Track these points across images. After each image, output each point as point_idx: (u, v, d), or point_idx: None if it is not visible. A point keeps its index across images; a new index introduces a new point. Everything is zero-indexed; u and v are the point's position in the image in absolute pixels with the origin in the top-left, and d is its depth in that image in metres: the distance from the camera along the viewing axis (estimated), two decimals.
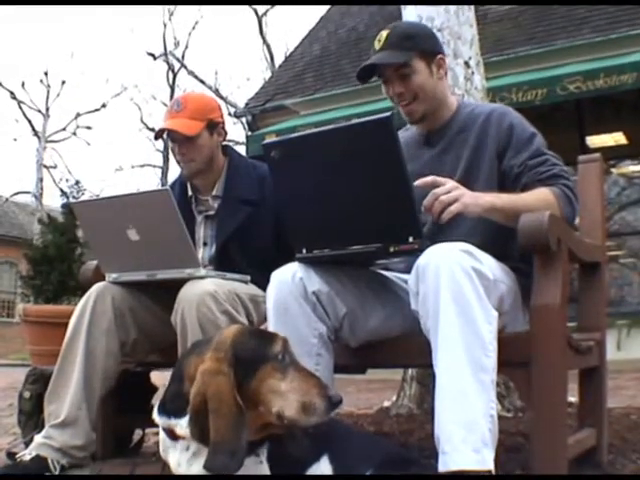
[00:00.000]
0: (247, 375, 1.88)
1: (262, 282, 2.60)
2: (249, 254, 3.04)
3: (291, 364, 1.94)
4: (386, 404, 4.77)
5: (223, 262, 3.10)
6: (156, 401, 2.06)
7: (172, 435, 1.96)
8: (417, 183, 2.29)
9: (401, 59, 2.64)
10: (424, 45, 2.70)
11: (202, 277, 2.75)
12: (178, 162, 3.17)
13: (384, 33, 2.72)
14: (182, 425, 1.90)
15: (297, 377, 1.91)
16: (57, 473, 2.75)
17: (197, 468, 1.89)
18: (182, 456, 1.94)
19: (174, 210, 2.72)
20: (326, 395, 1.89)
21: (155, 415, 2.00)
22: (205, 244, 3.21)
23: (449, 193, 2.27)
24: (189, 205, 3.25)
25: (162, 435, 2.00)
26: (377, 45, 2.70)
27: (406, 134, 2.88)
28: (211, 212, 3.22)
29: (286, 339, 1.98)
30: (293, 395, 1.87)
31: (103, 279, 3.03)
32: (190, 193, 3.26)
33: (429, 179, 2.32)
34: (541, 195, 2.46)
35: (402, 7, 4.78)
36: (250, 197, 3.12)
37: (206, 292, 2.67)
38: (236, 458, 1.80)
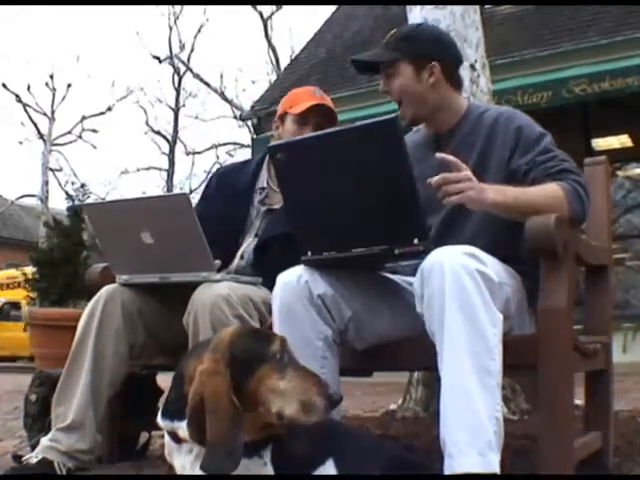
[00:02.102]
0: (245, 375, 1.88)
1: None
2: (291, 258, 3.01)
3: (290, 363, 1.94)
4: (392, 407, 4.77)
5: (262, 254, 3.10)
6: (161, 404, 2.06)
7: (176, 438, 1.96)
8: (435, 180, 2.30)
9: (384, 58, 2.69)
10: (416, 50, 2.69)
11: (217, 281, 2.75)
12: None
13: (391, 32, 2.75)
14: (184, 428, 1.90)
15: (296, 376, 1.91)
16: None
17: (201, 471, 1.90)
18: (186, 459, 1.94)
19: (192, 215, 2.72)
20: (326, 393, 1.89)
21: (159, 418, 2.00)
22: (256, 235, 3.19)
23: (457, 183, 2.28)
24: (252, 194, 3.26)
25: (167, 438, 2.01)
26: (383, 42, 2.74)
27: (416, 136, 2.88)
28: (276, 206, 3.20)
29: (284, 338, 1.99)
30: (292, 394, 1.87)
31: (109, 282, 3.02)
32: (264, 185, 3.26)
33: (450, 158, 2.32)
34: (548, 190, 2.43)
35: (408, 10, 4.78)
36: None
37: (220, 295, 2.66)
38: (232, 459, 1.80)
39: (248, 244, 3.18)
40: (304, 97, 3.21)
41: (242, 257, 3.15)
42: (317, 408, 1.87)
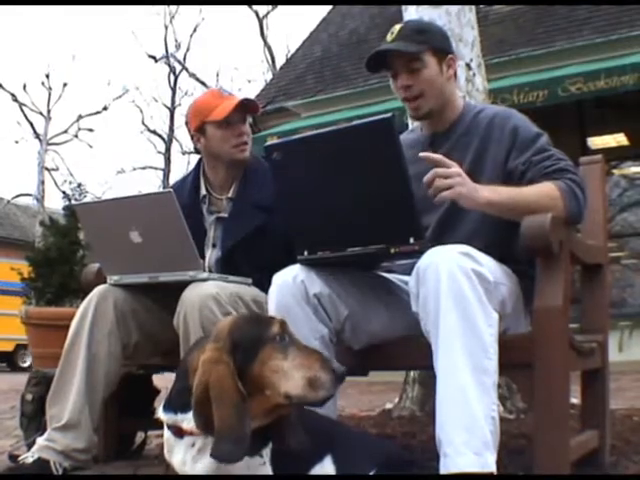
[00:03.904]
0: (248, 360, 1.89)
1: (268, 286, 2.59)
2: (256, 260, 3.01)
3: (291, 343, 1.95)
4: (388, 406, 4.77)
5: (228, 266, 3.09)
6: (158, 404, 2.06)
7: (178, 432, 1.96)
8: (426, 177, 2.30)
9: (413, 49, 2.61)
10: (436, 42, 2.67)
11: (204, 279, 2.75)
12: (238, 144, 3.16)
13: (397, 27, 2.69)
14: (189, 419, 1.91)
15: (299, 355, 1.92)
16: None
17: (202, 466, 1.91)
18: (187, 454, 1.95)
19: (177, 212, 2.72)
20: (330, 368, 1.90)
21: (160, 412, 2.01)
22: (214, 246, 3.19)
23: (447, 178, 2.28)
24: (199, 204, 3.24)
25: (167, 435, 2.01)
26: (389, 38, 2.67)
27: (411, 136, 2.87)
28: (223, 214, 3.20)
29: (284, 320, 2.00)
30: (297, 373, 1.89)
31: (105, 282, 3.02)
32: (204, 192, 3.25)
33: (436, 156, 2.32)
34: (544, 189, 2.43)
35: (403, 9, 4.78)
36: (264, 203, 3.06)
37: (208, 295, 2.66)
38: (241, 445, 1.81)
39: (209, 257, 3.18)
40: (216, 101, 3.16)
41: (211, 271, 3.12)
42: (324, 383, 1.88)
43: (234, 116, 3.10)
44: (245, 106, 3.15)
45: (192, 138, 3.25)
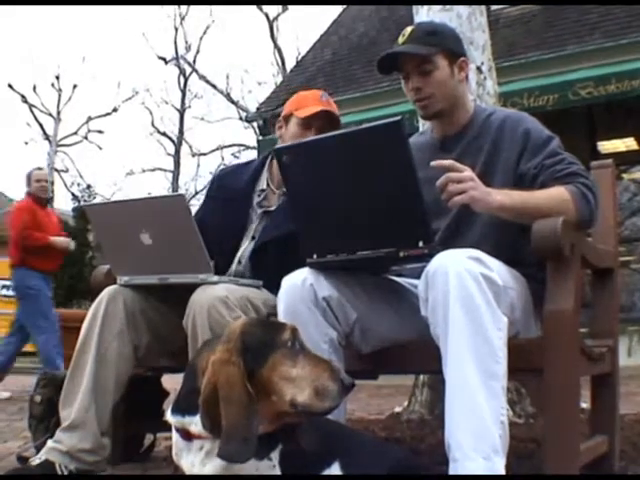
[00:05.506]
0: (257, 363, 1.89)
1: None
2: (286, 260, 2.99)
3: (301, 351, 1.94)
4: (397, 410, 4.76)
5: (258, 260, 3.10)
6: (167, 406, 2.06)
7: (186, 435, 1.96)
8: (439, 182, 2.29)
9: (424, 51, 2.62)
10: (448, 44, 2.68)
11: (215, 283, 2.74)
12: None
13: (409, 29, 2.70)
14: (196, 422, 1.90)
15: (308, 363, 1.92)
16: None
17: (210, 468, 1.90)
18: (196, 457, 1.94)
19: (189, 216, 2.72)
20: (338, 378, 1.90)
21: (169, 415, 2.00)
22: (253, 238, 3.18)
23: (460, 183, 2.28)
24: (252, 194, 3.25)
25: (175, 438, 2.00)
26: (400, 40, 2.68)
27: (421, 139, 2.87)
28: (272, 208, 3.19)
29: (295, 327, 1.99)
30: (305, 381, 1.88)
31: (115, 283, 3.02)
32: (263, 187, 3.25)
33: (447, 162, 2.32)
34: (555, 193, 2.42)
35: (414, 12, 4.78)
36: None
37: (217, 297, 2.65)
38: (248, 445, 1.80)
39: (245, 248, 3.17)
40: (311, 101, 3.19)
41: (240, 262, 3.15)
42: (330, 393, 1.88)
43: (315, 121, 3.12)
44: (329, 118, 3.17)
45: (277, 122, 3.28)
